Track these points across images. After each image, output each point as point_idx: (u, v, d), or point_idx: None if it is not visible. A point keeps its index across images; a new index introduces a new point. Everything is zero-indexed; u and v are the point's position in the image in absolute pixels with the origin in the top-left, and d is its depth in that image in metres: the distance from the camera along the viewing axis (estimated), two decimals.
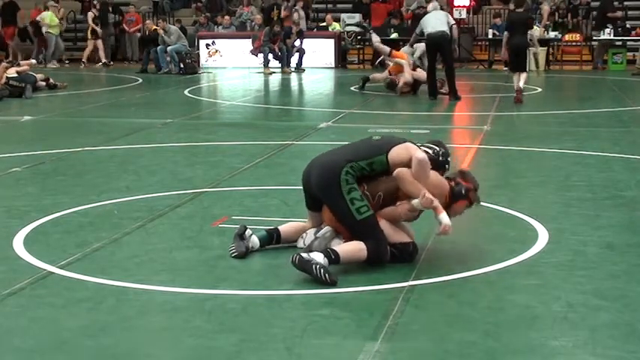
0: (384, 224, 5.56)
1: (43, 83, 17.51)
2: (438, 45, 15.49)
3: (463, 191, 5.65)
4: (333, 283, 5.14)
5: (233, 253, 5.74)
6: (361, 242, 5.43)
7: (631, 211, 7.14)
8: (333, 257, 5.31)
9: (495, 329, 4.52)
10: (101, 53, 24.74)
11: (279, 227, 5.97)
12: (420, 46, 16.99)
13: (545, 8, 23.63)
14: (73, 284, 5.26)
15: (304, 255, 5.25)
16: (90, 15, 24.71)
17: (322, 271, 5.15)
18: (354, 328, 4.57)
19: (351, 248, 5.43)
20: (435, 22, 15.45)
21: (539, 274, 5.42)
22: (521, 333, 4.47)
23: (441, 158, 5.87)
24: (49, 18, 24.61)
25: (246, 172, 8.87)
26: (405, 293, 5.03)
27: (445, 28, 15.37)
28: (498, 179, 8.50)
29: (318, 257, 5.24)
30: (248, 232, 5.83)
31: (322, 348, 4.27)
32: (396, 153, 5.59)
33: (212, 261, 5.69)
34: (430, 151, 5.81)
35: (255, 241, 5.84)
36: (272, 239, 5.90)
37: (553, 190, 8.00)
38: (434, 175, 5.63)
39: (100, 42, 24.74)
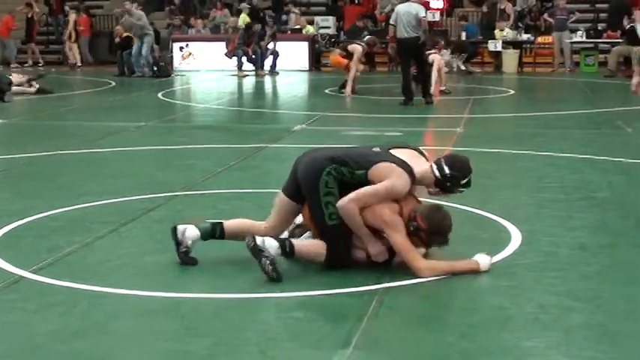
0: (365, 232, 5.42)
1: (32, 89, 17.35)
2: (411, 49, 15.33)
3: (412, 229, 5.38)
4: (277, 280, 5.17)
5: (181, 263, 5.63)
6: (324, 245, 5.42)
7: (603, 212, 7.18)
8: (287, 250, 5.32)
9: (470, 330, 4.53)
10: None
11: (224, 222, 5.76)
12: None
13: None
14: (45, 289, 5.22)
15: (259, 242, 5.22)
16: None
17: (270, 268, 5.17)
18: (328, 331, 4.56)
19: (312, 249, 5.43)
20: (407, 23, 15.09)
21: (511, 275, 5.43)
22: (494, 334, 4.49)
23: (447, 184, 5.52)
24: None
25: (220, 175, 8.84)
26: (379, 295, 5.03)
27: (418, 33, 15.17)
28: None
29: (273, 246, 5.24)
30: (180, 229, 5.62)
31: (296, 351, 4.27)
32: (376, 174, 5.41)
33: (184, 265, 5.64)
34: (437, 173, 5.49)
35: (192, 235, 5.60)
36: (214, 234, 5.69)
37: (525, 192, 8.03)
38: (388, 211, 5.34)
39: None
